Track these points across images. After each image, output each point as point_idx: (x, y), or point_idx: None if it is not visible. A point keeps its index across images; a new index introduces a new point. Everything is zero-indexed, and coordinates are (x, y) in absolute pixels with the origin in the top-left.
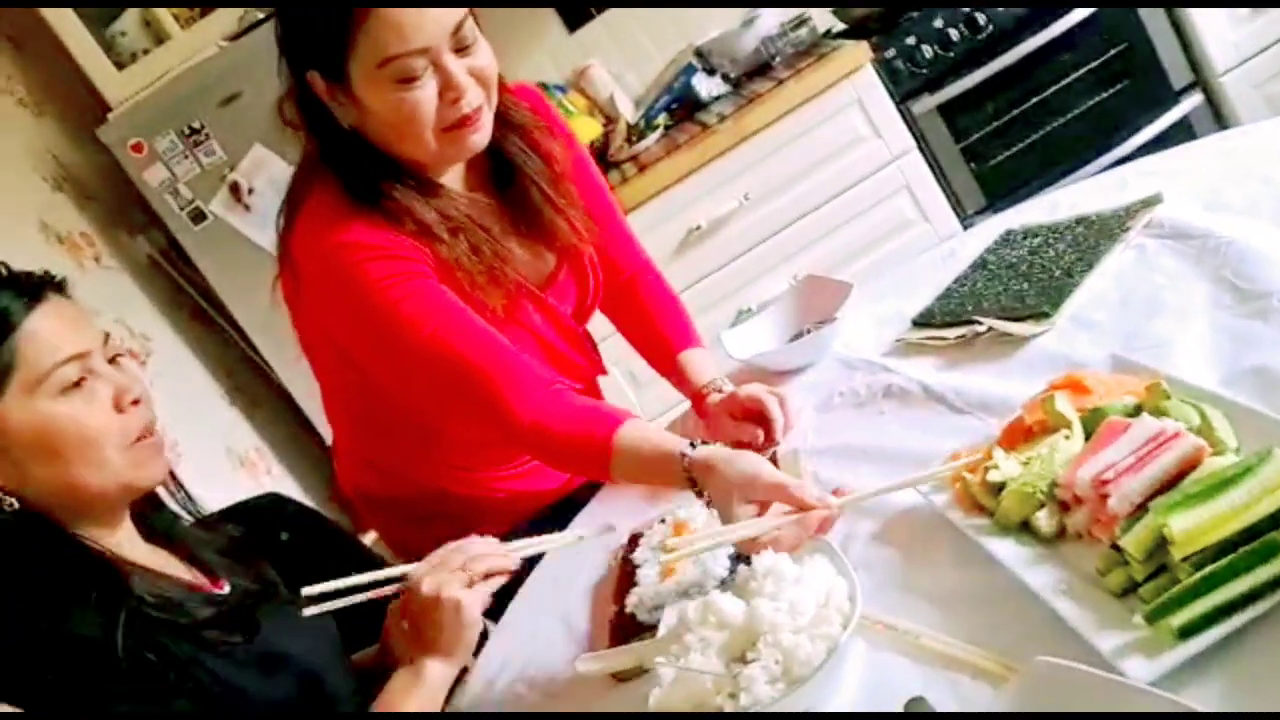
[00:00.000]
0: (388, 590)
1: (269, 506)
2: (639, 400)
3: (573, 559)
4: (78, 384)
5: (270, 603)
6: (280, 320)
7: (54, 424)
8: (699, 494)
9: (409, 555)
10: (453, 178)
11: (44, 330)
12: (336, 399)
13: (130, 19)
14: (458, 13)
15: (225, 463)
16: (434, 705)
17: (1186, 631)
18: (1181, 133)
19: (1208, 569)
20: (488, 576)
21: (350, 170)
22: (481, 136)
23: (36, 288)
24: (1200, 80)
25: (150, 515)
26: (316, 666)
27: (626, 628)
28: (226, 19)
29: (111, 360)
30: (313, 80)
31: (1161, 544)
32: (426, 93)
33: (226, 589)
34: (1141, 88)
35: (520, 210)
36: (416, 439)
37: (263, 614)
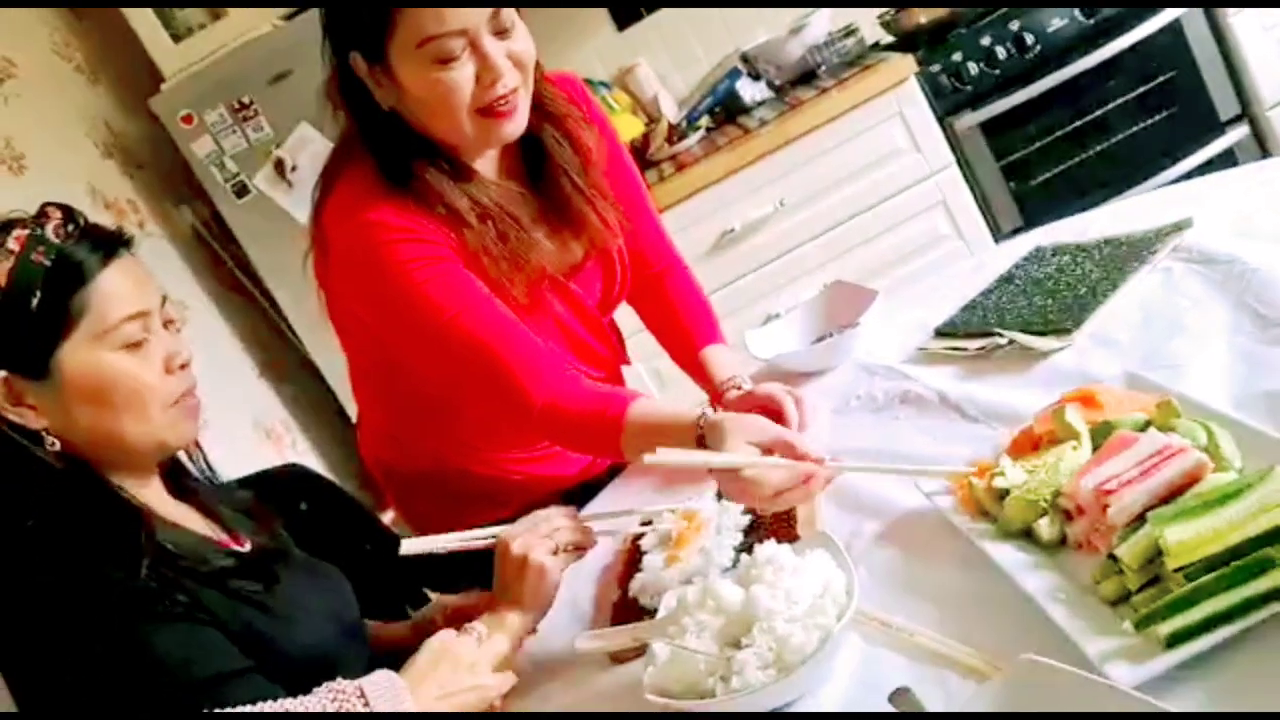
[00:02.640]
0: (481, 545)
1: (290, 477)
2: (662, 398)
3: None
4: (138, 342)
5: (287, 561)
6: (313, 297)
7: (110, 375)
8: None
9: (425, 530)
10: (486, 164)
11: (114, 286)
12: (363, 373)
13: None
14: None
15: (251, 434)
16: (512, 647)
17: (1174, 640)
18: (1225, 164)
19: (1199, 580)
20: (571, 548)
21: (385, 152)
22: (516, 125)
23: (111, 244)
24: (1247, 112)
25: (177, 474)
26: (329, 631)
27: (628, 611)
28: None
29: (165, 324)
30: (354, 61)
31: (1156, 555)
32: (463, 74)
33: (247, 546)
34: (1187, 117)
35: (550, 200)
36: (438, 417)
37: (285, 571)
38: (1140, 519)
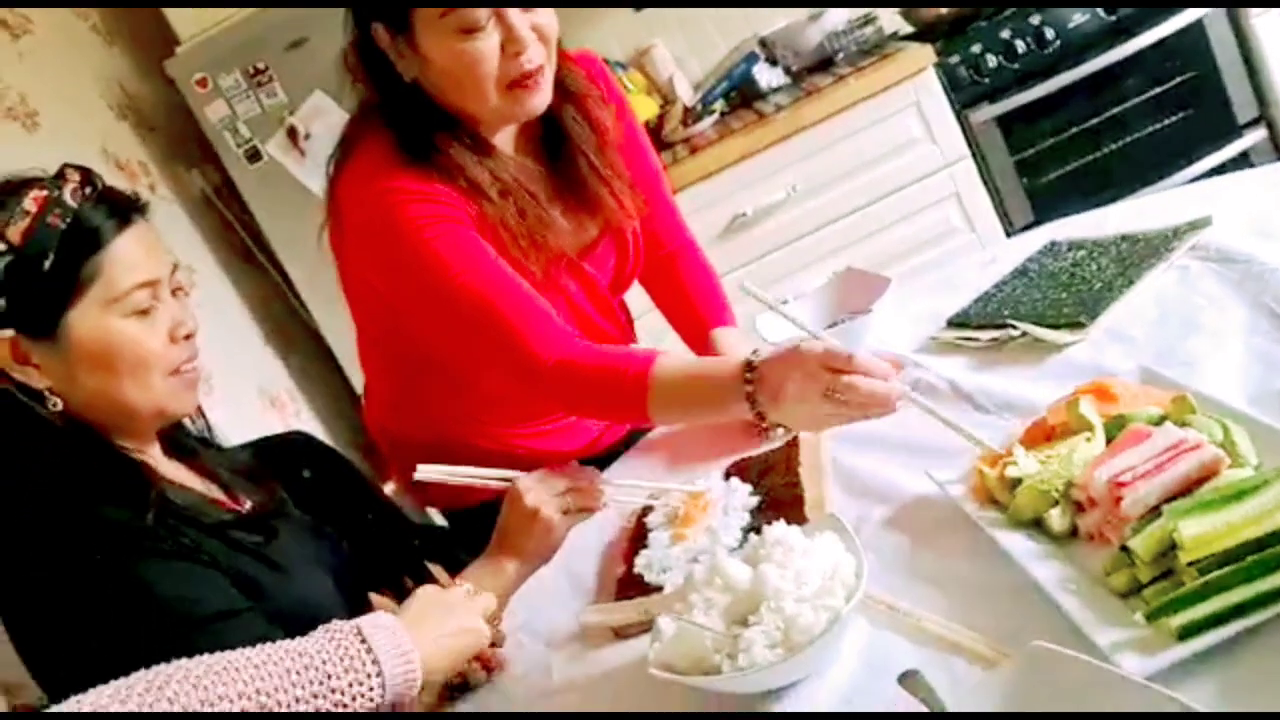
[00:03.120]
0: (495, 486)
1: (295, 443)
2: None
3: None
4: (145, 310)
5: (286, 520)
6: (323, 267)
7: (116, 340)
8: (755, 409)
9: (426, 503)
10: (504, 140)
11: (128, 252)
12: (372, 342)
13: None
14: None
15: (256, 401)
16: (507, 595)
17: (1186, 633)
18: (1241, 167)
19: (1213, 574)
20: (581, 510)
21: (406, 124)
22: (541, 99)
23: (127, 210)
24: (1265, 115)
25: (176, 435)
26: (326, 588)
27: (633, 587)
28: None
29: (174, 291)
30: (376, 32)
31: (1169, 548)
32: (489, 44)
33: (246, 506)
34: (1205, 118)
35: (567, 179)
36: (445, 388)
37: (279, 527)
38: (1154, 512)
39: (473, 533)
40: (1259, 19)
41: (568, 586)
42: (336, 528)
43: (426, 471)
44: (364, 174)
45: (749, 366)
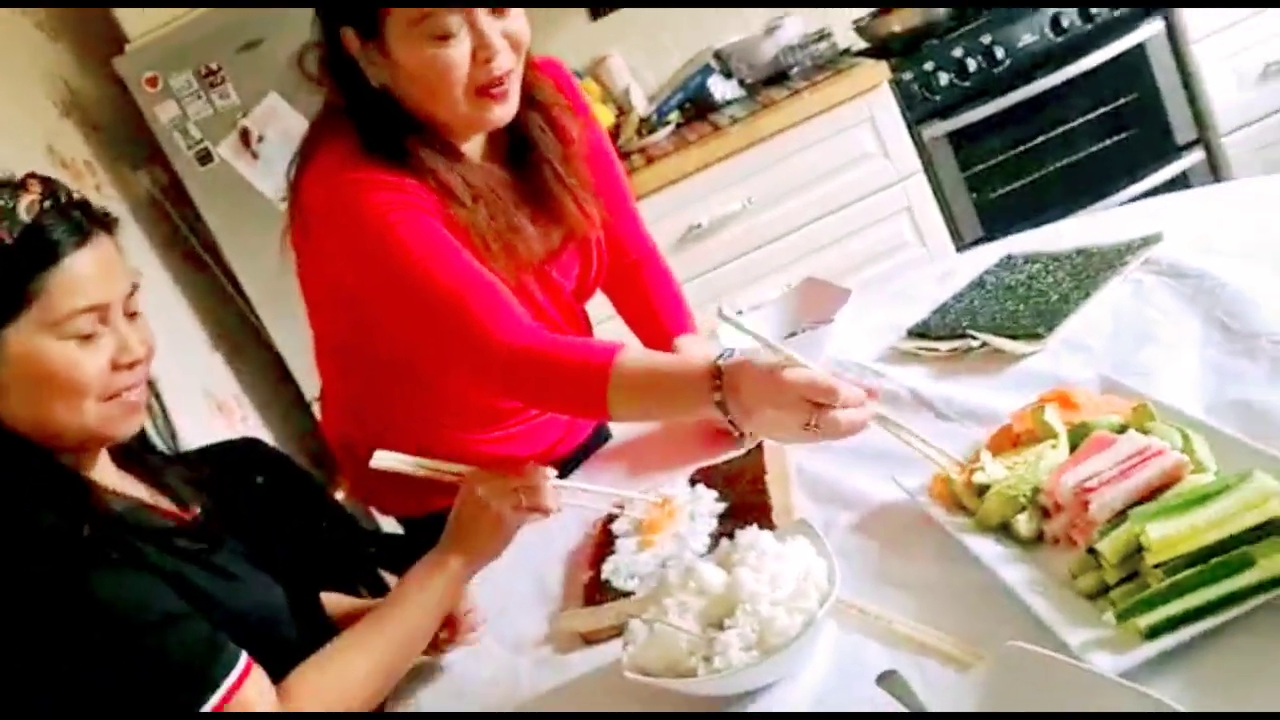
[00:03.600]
0: (449, 478)
1: (246, 449)
2: None
3: (549, 525)
4: (88, 335)
5: (234, 528)
6: (273, 270)
7: (50, 363)
8: (724, 410)
9: (383, 510)
10: (472, 147)
11: (79, 273)
12: (331, 348)
13: None
14: None
15: (203, 406)
16: (452, 592)
17: (1154, 632)
18: (1179, 187)
19: (1179, 575)
20: (533, 509)
21: (374, 128)
22: (508, 108)
23: (90, 226)
24: (1203, 138)
25: (126, 443)
26: (274, 596)
27: (601, 593)
28: None
29: (130, 315)
30: (346, 36)
31: (1135, 551)
32: (460, 51)
33: (194, 514)
34: (1146, 139)
35: (532, 186)
36: (406, 392)
37: (226, 536)
38: (1120, 516)
39: (429, 540)
40: (1197, 45)
41: (533, 593)
42: (289, 534)
43: (384, 458)
44: (330, 168)
45: (717, 372)
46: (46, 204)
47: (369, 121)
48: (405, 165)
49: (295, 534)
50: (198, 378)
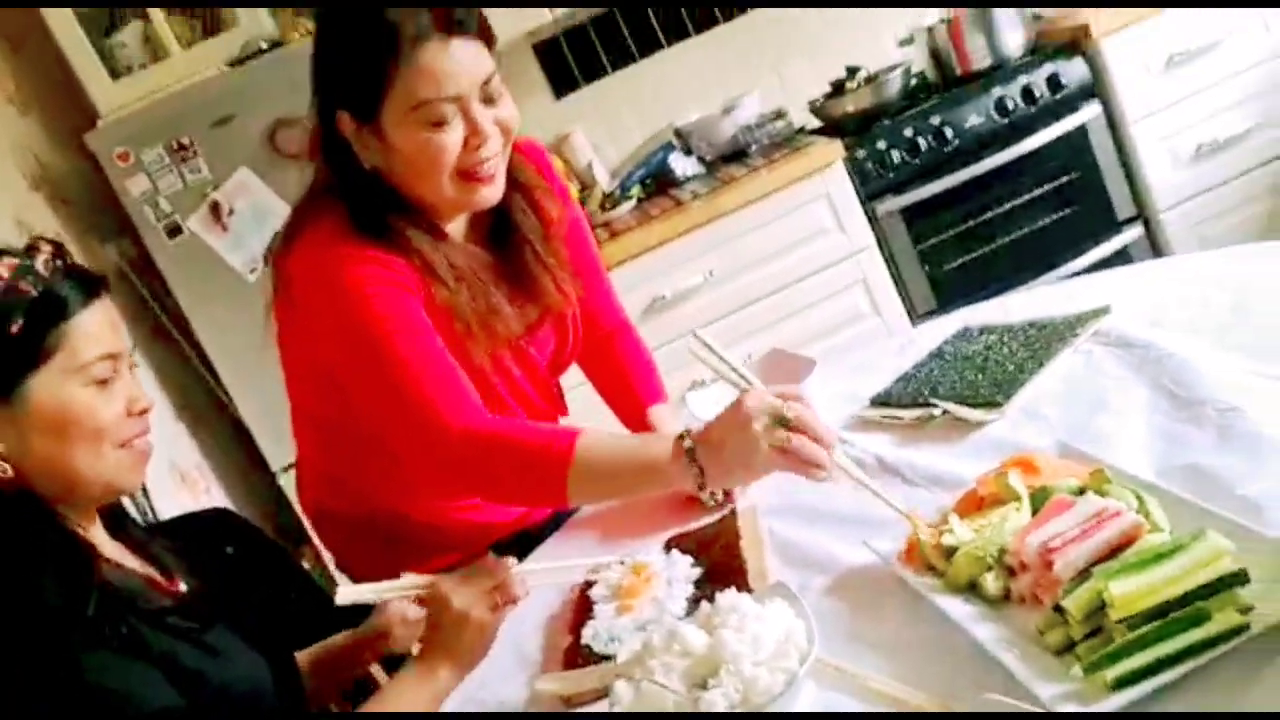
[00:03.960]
0: (416, 594)
1: (216, 520)
2: None
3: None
4: (105, 381)
5: (220, 602)
6: (241, 342)
7: (74, 408)
8: (698, 476)
9: (359, 578)
10: (456, 228)
11: (92, 325)
12: (307, 417)
13: (132, 32)
14: (488, 66)
15: (166, 477)
16: (438, 703)
17: (1120, 683)
18: (1121, 261)
19: (1142, 629)
20: (509, 602)
21: (363, 207)
22: (494, 190)
23: (94, 285)
24: (1143, 214)
25: (115, 513)
26: (262, 670)
27: (581, 657)
28: (230, 43)
29: (132, 368)
30: (342, 119)
31: (1100, 607)
32: (453, 137)
33: (182, 588)
34: (1088, 215)
35: (512, 265)
36: (381, 462)
37: (215, 611)
38: (1082, 574)
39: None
40: (1135, 126)
41: (512, 660)
42: (262, 606)
43: (346, 594)
44: (318, 242)
45: (685, 445)
46: (58, 263)
47: (358, 200)
48: (392, 244)
49: (265, 603)
50: (163, 448)
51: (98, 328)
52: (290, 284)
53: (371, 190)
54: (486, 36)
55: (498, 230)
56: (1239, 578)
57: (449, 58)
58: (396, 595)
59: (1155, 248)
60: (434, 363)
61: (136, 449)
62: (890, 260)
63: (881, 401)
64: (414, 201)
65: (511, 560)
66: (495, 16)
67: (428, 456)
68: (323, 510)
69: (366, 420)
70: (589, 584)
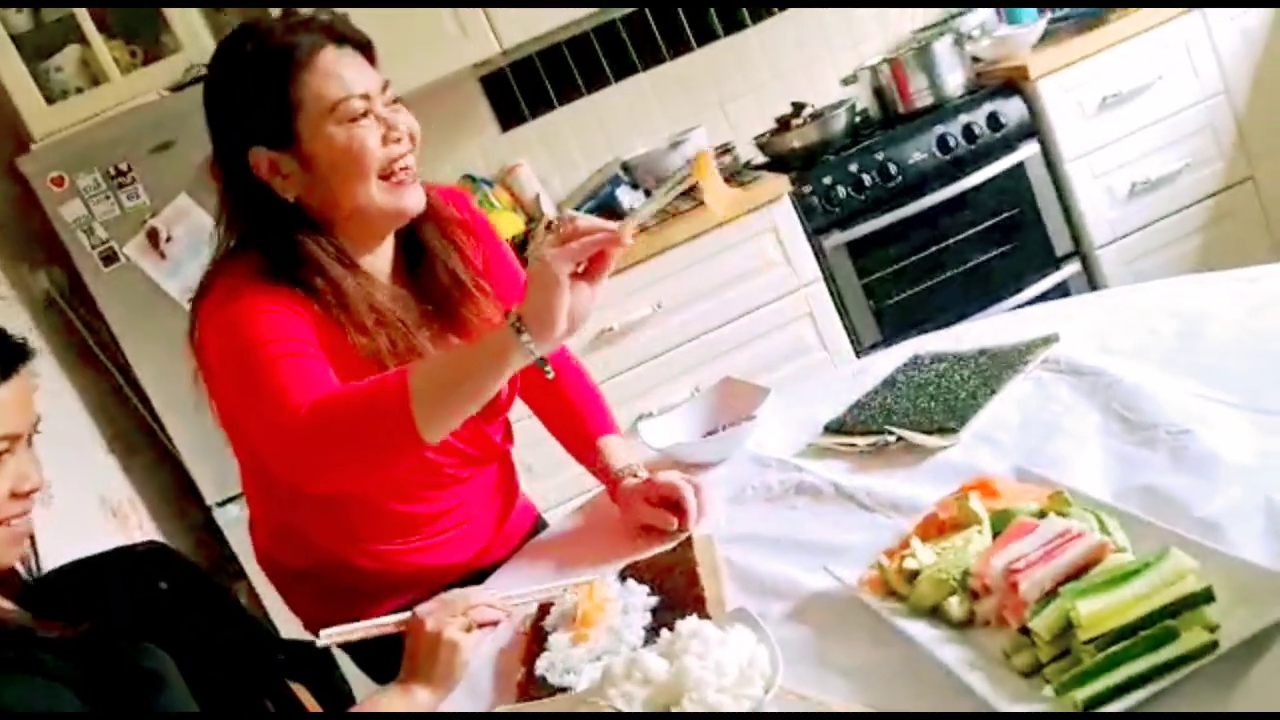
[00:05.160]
0: (394, 628)
1: (151, 554)
2: (532, 492)
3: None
4: None
5: (108, 650)
6: (176, 372)
7: None
8: (526, 337)
9: (316, 629)
10: (377, 263)
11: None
12: (250, 472)
13: (69, 56)
14: (382, 76)
15: (97, 511)
16: None
17: (1091, 704)
18: (1059, 296)
19: (1111, 649)
20: (483, 624)
21: (280, 254)
22: (417, 196)
23: (11, 362)
24: (1079, 250)
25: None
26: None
27: (536, 690)
28: (170, 70)
29: (29, 443)
30: (256, 158)
31: (1067, 628)
32: (372, 131)
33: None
34: (1028, 250)
35: (432, 301)
36: (321, 510)
37: (100, 660)
38: (1048, 595)
39: (360, 648)
40: (1072, 164)
41: (464, 696)
42: (197, 643)
43: (330, 635)
44: (229, 292)
45: (510, 315)
46: None
47: (276, 247)
48: (308, 291)
49: (200, 641)
50: (92, 482)
51: (3, 410)
52: (204, 341)
53: (293, 227)
54: (370, 55)
55: (418, 268)
56: (1206, 595)
57: (345, 62)
58: (376, 631)
59: (1092, 283)
60: (299, 361)
61: (14, 529)
62: (836, 294)
63: (835, 429)
64: (340, 229)
65: (479, 589)
66: (441, 49)
67: (281, 439)
68: (273, 562)
69: (245, 433)
70: (542, 613)
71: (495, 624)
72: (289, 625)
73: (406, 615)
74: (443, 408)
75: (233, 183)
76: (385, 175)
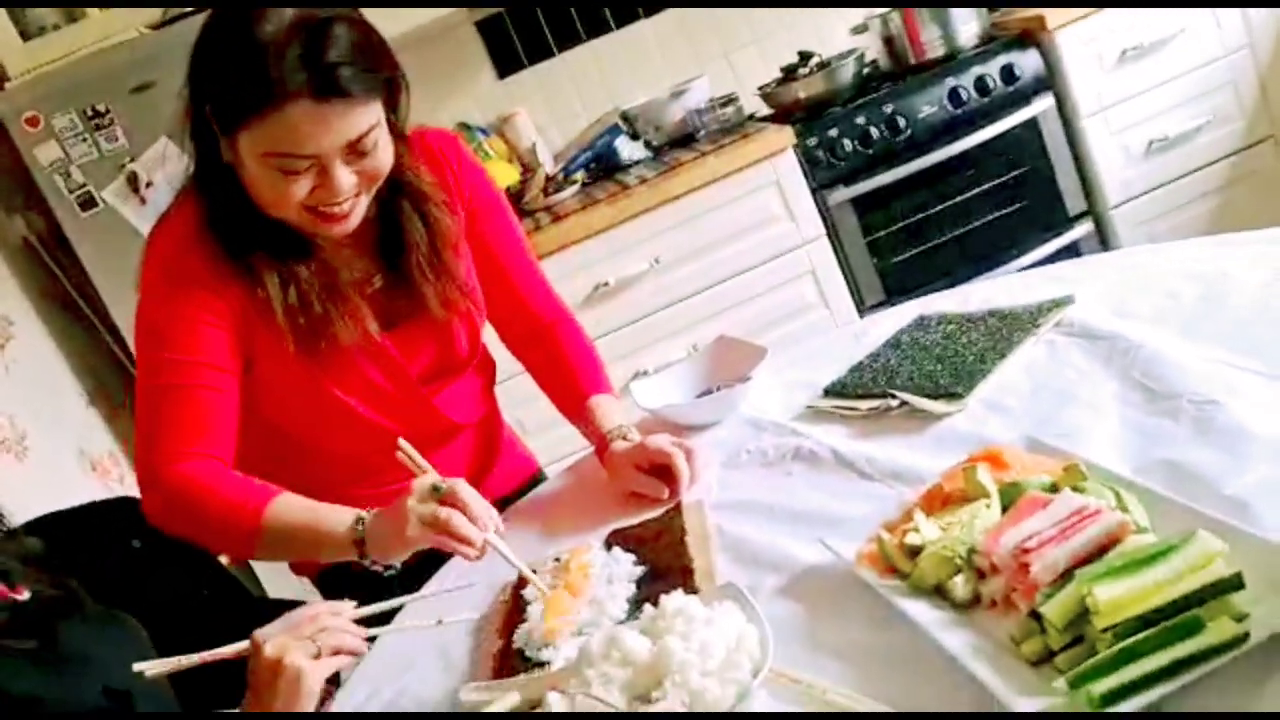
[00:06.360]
0: (232, 653)
1: (123, 511)
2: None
3: (455, 594)
4: None
5: (74, 613)
6: None
7: None
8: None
9: (305, 570)
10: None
11: None
12: None
13: None
14: (364, 125)
15: (75, 465)
16: None
17: (1107, 700)
18: (1070, 257)
19: (1130, 640)
20: (336, 652)
21: (217, 201)
22: (345, 228)
23: None
24: (1092, 210)
25: None
26: (124, 680)
27: (512, 662)
28: (150, 7)
29: None
30: (208, 111)
31: (1081, 614)
32: (301, 184)
33: (26, 595)
34: (1038, 209)
35: (393, 266)
36: (291, 452)
37: (66, 623)
38: (1063, 578)
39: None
40: (1088, 120)
41: (438, 664)
42: (171, 602)
43: (149, 666)
44: (171, 239)
45: (359, 520)
46: None
47: (214, 192)
48: (229, 247)
49: (174, 600)
50: (71, 434)
51: None
52: (139, 282)
53: (228, 182)
54: (378, 87)
55: (386, 231)
56: (1234, 582)
57: (316, 121)
58: (209, 658)
59: (1105, 244)
60: (193, 395)
61: None
62: (839, 251)
63: (836, 391)
64: None
65: (348, 605)
66: None
67: (145, 479)
68: None
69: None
70: (523, 581)
71: (355, 652)
72: (278, 579)
73: (246, 644)
74: (282, 554)
75: (194, 119)
76: (311, 210)
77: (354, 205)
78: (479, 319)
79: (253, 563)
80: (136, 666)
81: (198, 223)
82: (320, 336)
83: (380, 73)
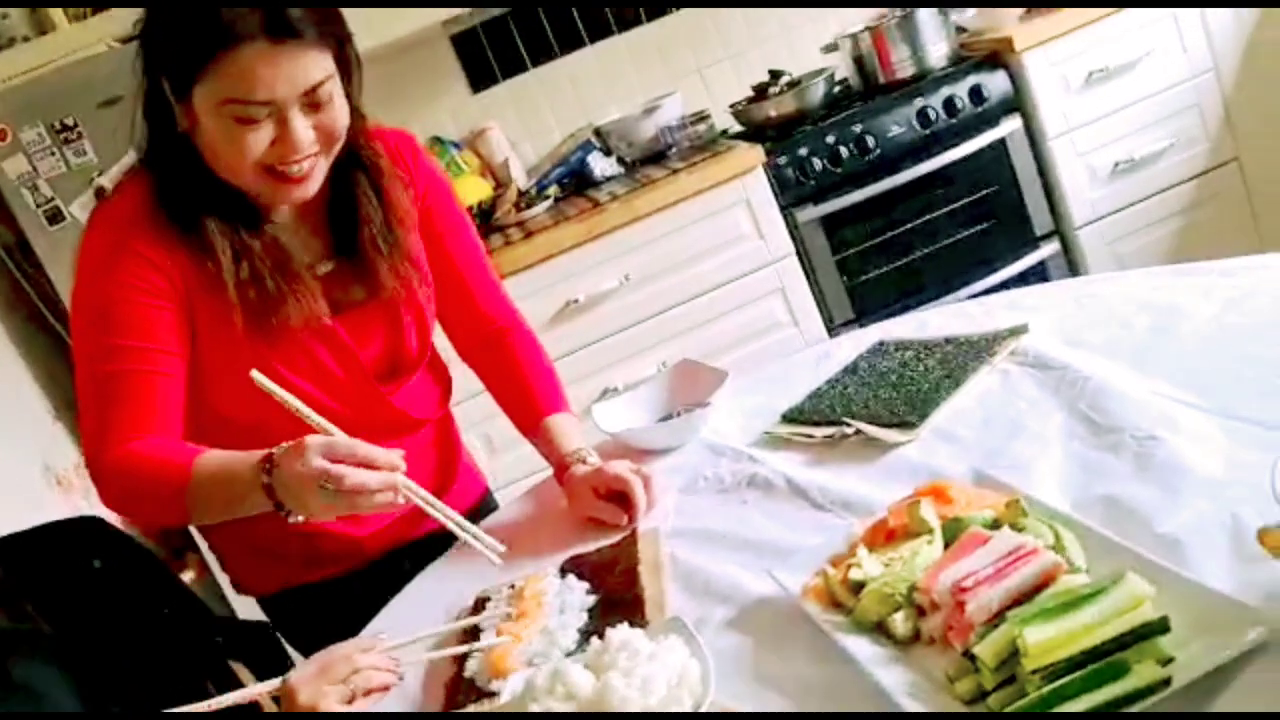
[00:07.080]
0: (258, 692)
1: (84, 530)
2: (492, 467)
3: (409, 618)
4: None
5: (25, 645)
6: None
7: None
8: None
9: (247, 588)
10: (282, 209)
11: None
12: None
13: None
14: (318, 73)
15: (40, 480)
16: None
17: None
18: (1037, 277)
19: (1060, 682)
20: (369, 692)
21: (171, 176)
22: (305, 190)
23: None
24: (1059, 230)
25: None
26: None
27: (463, 692)
28: (120, 20)
29: None
30: (163, 81)
31: (1013, 654)
32: (260, 136)
33: None
34: (1006, 229)
35: (345, 244)
36: (234, 445)
37: (17, 655)
38: (997, 618)
39: (291, 617)
40: (1055, 141)
41: (391, 693)
42: (133, 624)
43: (174, 713)
44: (112, 216)
45: (268, 459)
46: None
47: (167, 167)
48: (181, 224)
49: (136, 621)
50: (36, 450)
51: None
52: (81, 247)
53: (183, 155)
54: (331, 40)
55: (338, 203)
56: (1160, 626)
57: (269, 63)
58: (242, 700)
59: (1071, 264)
60: (133, 380)
61: None
62: (808, 269)
63: (793, 418)
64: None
65: (381, 640)
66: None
67: (91, 467)
68: (205, 529)
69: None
70: (479, 606)
71: (386, 689)
72: (248, 599)
73: (278, 682)
74: (210, 511)
75: (147, 96)
76: (269, 171)
77: (313, 165)
78: (429, 313)
79: (220, 580)
80: (167, 712)
81: (144, 201)
82: (271, 313)
83: (332, 26)
